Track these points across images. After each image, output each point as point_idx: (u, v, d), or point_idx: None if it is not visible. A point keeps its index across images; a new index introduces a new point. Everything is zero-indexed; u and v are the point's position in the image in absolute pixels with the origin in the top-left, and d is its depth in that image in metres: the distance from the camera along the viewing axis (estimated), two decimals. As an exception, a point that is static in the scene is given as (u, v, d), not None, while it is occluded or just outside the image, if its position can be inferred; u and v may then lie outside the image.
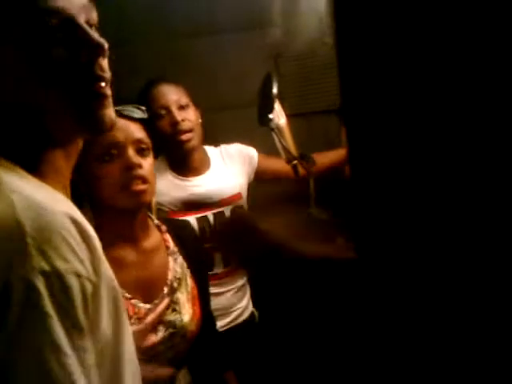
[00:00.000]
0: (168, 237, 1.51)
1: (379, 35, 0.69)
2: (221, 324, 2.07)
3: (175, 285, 1.42)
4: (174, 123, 1.98)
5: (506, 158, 0.68)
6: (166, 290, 1.40)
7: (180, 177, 2.08)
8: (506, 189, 0.68)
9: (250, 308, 2.24)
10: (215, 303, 2.02)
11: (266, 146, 2.11)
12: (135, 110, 1.40)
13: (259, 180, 2.25)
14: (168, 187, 2.03)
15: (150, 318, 1.33)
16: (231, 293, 2.13)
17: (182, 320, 1.39)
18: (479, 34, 0.65)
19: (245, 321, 2.19)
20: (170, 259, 1.46)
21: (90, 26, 0.82)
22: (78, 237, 0.72)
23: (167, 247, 1.48)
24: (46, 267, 0.66)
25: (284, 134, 1.94)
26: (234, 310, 2.15)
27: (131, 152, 1.34)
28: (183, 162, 2.07)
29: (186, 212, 2.03)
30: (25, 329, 0.65)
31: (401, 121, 0.70)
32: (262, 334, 2.26)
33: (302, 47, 2.20)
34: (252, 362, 2.14)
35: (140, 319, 1.33)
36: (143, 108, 1.43)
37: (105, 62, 0.84)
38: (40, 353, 0.66)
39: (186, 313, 1.41)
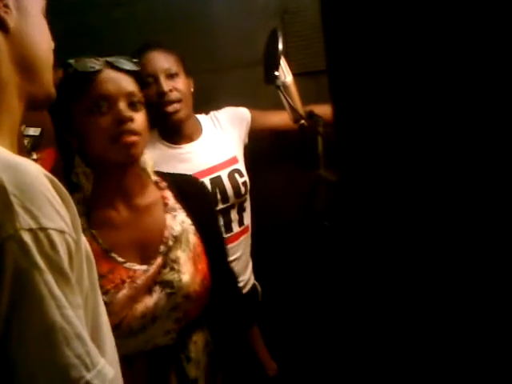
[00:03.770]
0: (168, 193, 1.45)
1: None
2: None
3: (171, 243, 1.36)
4: (161, 93, 1.90)
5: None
6: (162, 248, 1.35)
7: (172, 145, 2.01)
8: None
9: (253, 280, 2.18)
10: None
11: (273, 106, 2.06)
12: (127, 61, 1.36)
13: (258, 138, 2.17)
14: (161, 157, 1.96)
15: (139, 281, 1.30)
16: (237, 263, 2.05)
17: (180, 280, 1.33)
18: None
19: (247, 294, 2.13)
20: (168, 216, 1.40)
21: None
22: (56, 195, 0.72)
23: (165, 204, 1.42)
24: (33, 225, 0.67)
25: (290, 92, 1.88)
26: (238, 282, 2.03)
27: (122, 105, 1.30)
28: (173, 131, 1.99)
29: None
30: (21, 286, 0.65)
31: (386, 83, 0.66)
32: (265, 308, 2.22)
33: (309, 3, 2.12)
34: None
35: (135, 282, 1.29)
36: (135, 60, 1.40)
37: None
38: (41, 307, 0.66)
39: (187, 272, 1.35)
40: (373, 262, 0.74)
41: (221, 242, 1.57)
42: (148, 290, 1.31)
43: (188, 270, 1.36)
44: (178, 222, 1.40)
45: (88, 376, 0.68)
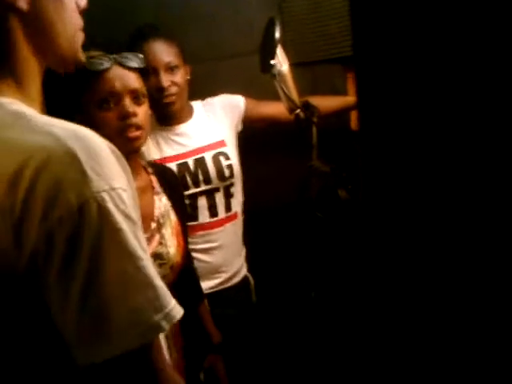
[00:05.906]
0: (153, 178, 1.64)
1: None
2: (209, 285, 2.05)
3: (161, 221, 1.56)
4: (160, 89, 1.95)
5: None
6: (153, 225, 1.54)
7: (162, 127, 2.06)
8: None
9: (244, 271, 2.18)
10: (203, 260, 2.04)
11: (270, 96, 2.06)
12: (133, 58, 1.50)
13: (254, 126, 2.19)
14: (153, 138, 2.03)
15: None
16: (222, 250, 2.08)
17: (168, 252, 1.54)
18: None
19: (237, 284, 2.14)
20: (156, 198, 1.60)
21: None
22: (114, 159, 0.82)
23: (153, 187, 1.62)
24: (106, 186, 0.76)
25: (286, 81, 1.87)
26: (225, 271, 2.09)
27: (127, 101, 1.46)
28: (167, 114, 2.04)
29: (168, 158, 2.02)
30: (101, 241, 0.74)
31: (413, 72, 0.66)
32: (257, 300, 2.23)
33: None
34: (244, 328, 2.12)
35: None
36: (141, 56, 1.53)
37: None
38: (118, 258, 0.75)
39: (172, 245, 1.56)
40: (385, 259, 0.74)
41: (186, 225, 1.79)
42: None
43: (173, 243, 1.57)
44: (163, 203, 1.61)
45: (156, 317, 0.77)
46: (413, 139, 0.70)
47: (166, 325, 0.79)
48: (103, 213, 0.74)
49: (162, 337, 1.47)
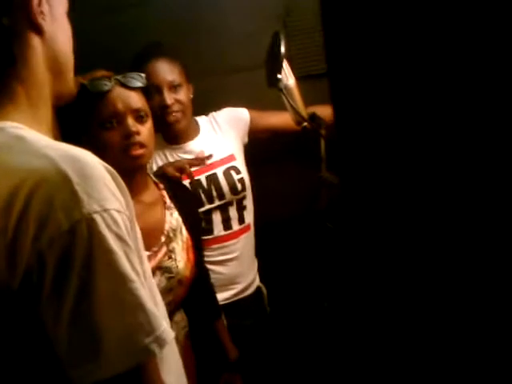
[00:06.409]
0: (165, 193, 1.67)
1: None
2: (225, 296, 2.05)
3: (171, 235, 1.59)
4: (164, 106, 1.96)
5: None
6: (163, 239, 1.57)
7: (171, 145, 2.07)
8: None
9: (257, 282, 2.19)
10: (218, 272, 2.05)
11: (275, 109, 2.08)
12: (135, 78, 1.53)
13: (259, 138, 2.20)
14: (163, 157, 2.05)
15: (151, 264, 1.42)
16: (237, 261, 2.09)
17: (177, 266, 1.56)
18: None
19: (251, 294, 2.15)
20: (167, 213, 1.63)
21: None
22: (111, 181, 0.82)
23: (164, 202, 1.64)
24: (98, 208, 0.76)
25: (293, 94, 1.89)
26: (239, 282, 2.11)
27: (130, 121, 1.49)
28: (173, 133, 2.06)
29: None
30: (93, 265, 0.74)
31: (387, 85, 0.67)
32: (270, 311, 2.23)
33: (311, 6, 2.14)
34: (261, 340, 2.12)
35: None
36: (143, 75, 1.56)
37: None
38: (108, 281, 0.76)
39: (181, 260, 1.58)
40: (372, 262, 0.75)
41: (200, 240, 1.83)
42: (152, 273, 1.44)
43: (182, 258, 1.59)
44: (174, 218, 1.63)
45: (146, 341, 0.77)
46: (388, 148, 0.71)
47: (156, 348, 0.78)
48: (93, 234, 0.75)
49: None
